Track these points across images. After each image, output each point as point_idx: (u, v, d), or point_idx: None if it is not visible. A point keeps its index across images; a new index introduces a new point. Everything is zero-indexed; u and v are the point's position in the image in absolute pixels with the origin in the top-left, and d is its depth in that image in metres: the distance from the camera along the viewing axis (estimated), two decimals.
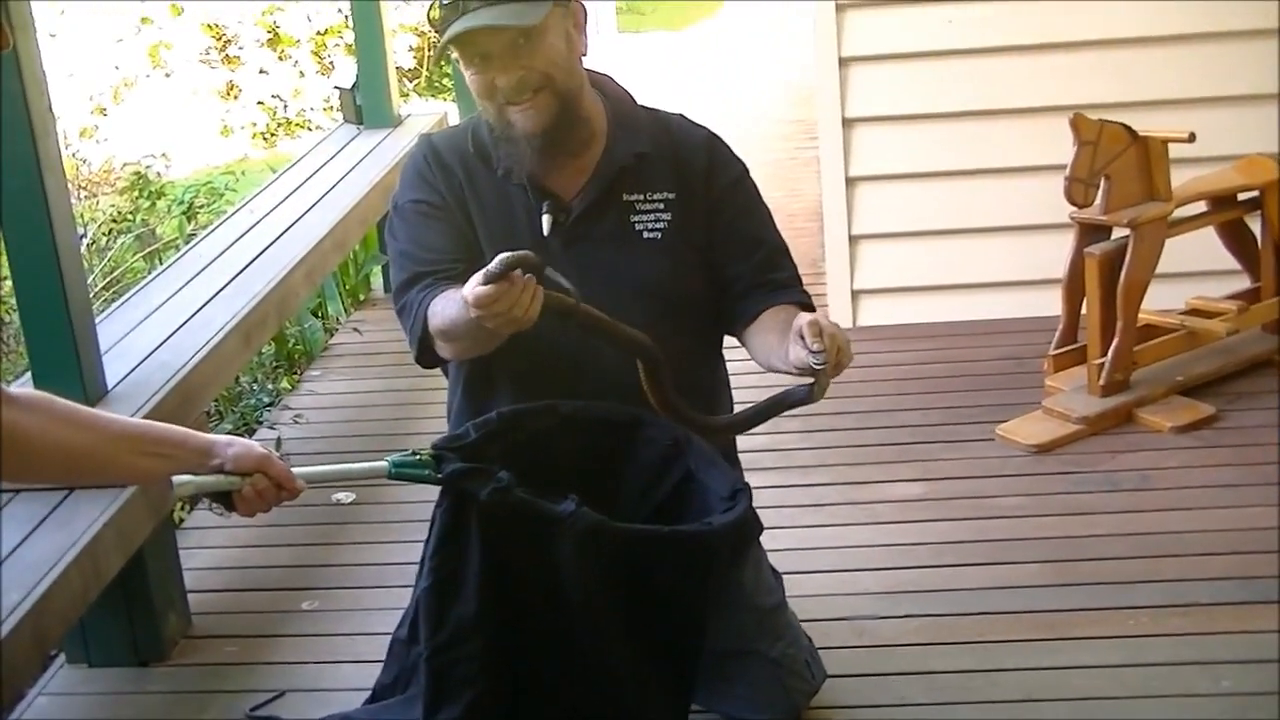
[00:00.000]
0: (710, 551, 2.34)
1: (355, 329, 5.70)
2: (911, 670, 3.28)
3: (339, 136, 6.38)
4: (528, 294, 2.32)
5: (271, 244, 4.76)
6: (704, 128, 2.94)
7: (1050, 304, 4.59)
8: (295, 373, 5.44)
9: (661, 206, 2.81)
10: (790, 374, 2.54)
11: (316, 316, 5.85)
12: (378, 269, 6.11)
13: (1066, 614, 3.44)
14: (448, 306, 2.56)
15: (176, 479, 2.18)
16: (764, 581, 3.09)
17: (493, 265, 2.27)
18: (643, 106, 2.91)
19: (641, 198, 2.81)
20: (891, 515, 3.98)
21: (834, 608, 3.52)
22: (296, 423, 4.89)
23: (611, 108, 2.85)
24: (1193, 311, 4.63)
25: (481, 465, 2.21)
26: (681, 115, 2.96)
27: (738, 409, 2.95)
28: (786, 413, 2.66)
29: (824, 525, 3.96)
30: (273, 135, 10.54)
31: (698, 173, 2.85)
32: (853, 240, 5.24)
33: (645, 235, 2.79)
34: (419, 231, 2.78)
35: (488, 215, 2.75)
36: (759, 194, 2.94)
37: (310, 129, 10.39)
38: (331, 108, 9.14)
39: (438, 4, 2.64)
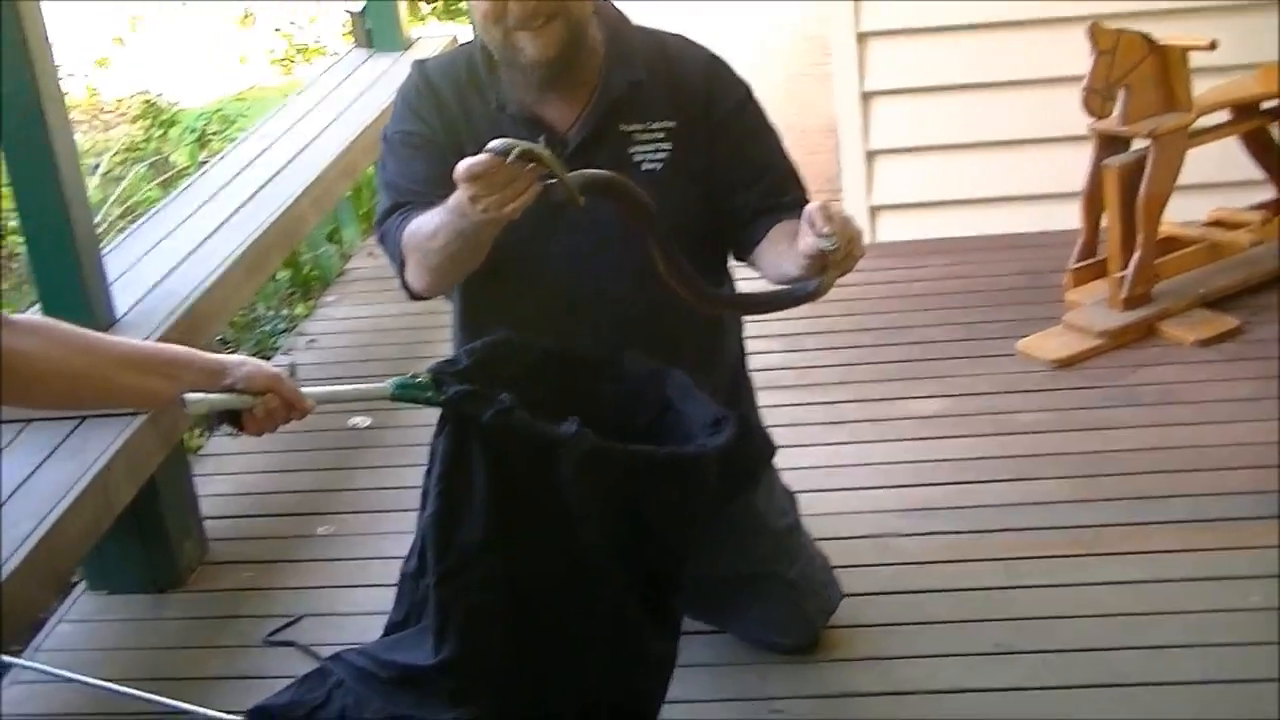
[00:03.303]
0: (703, 474, 2.29)
1: (370, 254, 5.65)
2: (936, 588, 3.25)
3: (349, 61, 6.31)
4: (524, 180, 2.24)
5: (279, 171, 4.71)
6: (704, 49, 2.82)
7: (1069, 217, 4.52)
8: (310, 298, 5.40)
9: (661, 136, 2.72)
10: (802, 278, 2.45)
11: (331, 242, 5.79)
12: None
13: (1090, 530, 3.41)
14: (428, 218, 2.48)
15: (189, 396, 2.14)
16: (776, 503, 3.05)
17: (499, 143, 2.21)
18: (639, 28, 2.79)
19: (640, 128, 2.71)
20: (913, 432, 3.94)
21: (859, 525, 3.50)
22: (311, 348, 4.86)
23: (608, 33, 2.74)
24: (1215, 223, 4.58)
25: (482, 389, 2.16)
26: (680, 36, 2.84)
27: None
28: (794, 309, 2.57)
29: (846, 443, 3.92)
30: (290, 61, 10.45)
31: (698, 99, 2.75)
32: (869, 156, 5.17)
33: (645, 167, 2.69)
34: (405, 163, 2.70)
35: (481, 147, 2.67)
36: (765, 116, 2.84)
37: (326, 54, 10.31)
38: (348, 32, 9.05)
39: None
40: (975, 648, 3.03)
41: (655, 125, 2.71)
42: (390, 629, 2.36)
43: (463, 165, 2.24)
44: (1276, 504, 3.40)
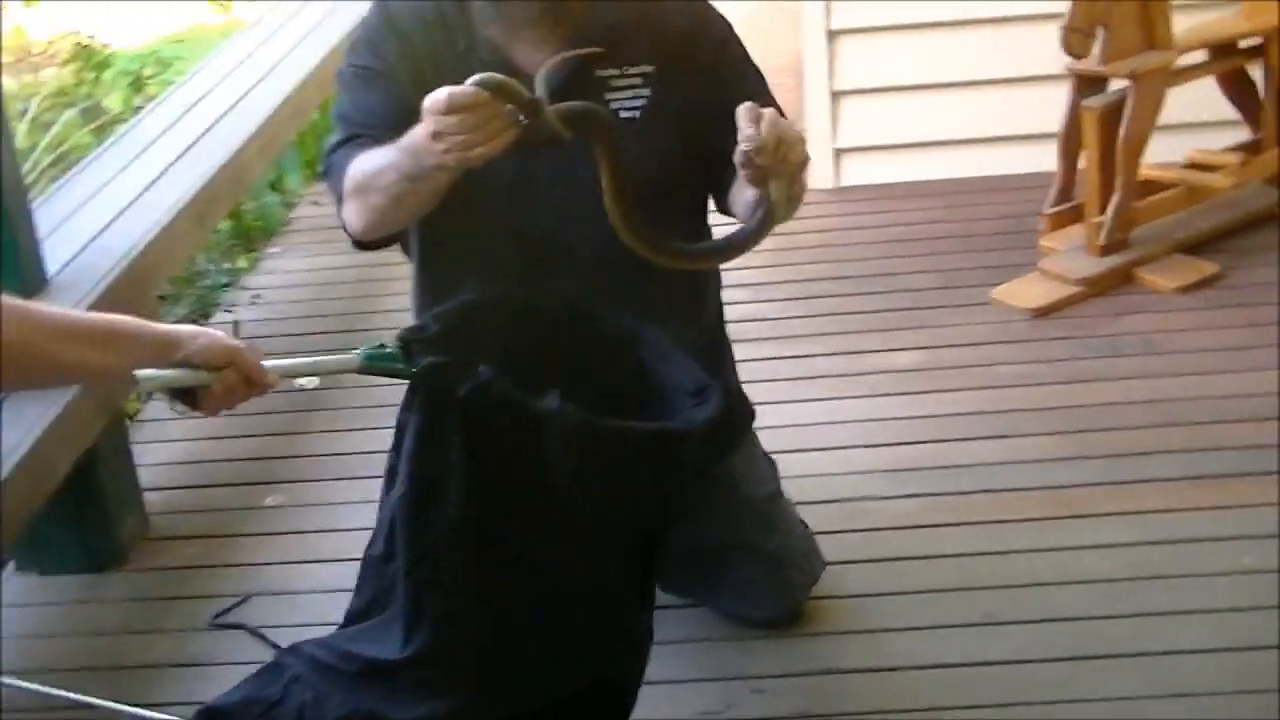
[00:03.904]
0: (690, 448, 2.15)
1: (315, 202, 5.43)
2: (918, 554, 3.10)
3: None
4: (498, 124, 2.08)
5: (223, 116, 4.47)
6: None
7: (1042, 159, 4.39)
8: (253, 250, 5.18)
9: (639, 82, 2.54)
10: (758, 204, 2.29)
11: (274, 190, 5.57)
12: None
13: (1077, 490, 3.27)
14: (377, 154, 2.30)
15: (140, 373, 1.96)
16: (757, 470, 2.90)
17: (484, 76, 2.06)
18: None
19: (617, 73, 2.54)
20: (889, 386, 3.79)
21: (833, 488, 3.33)
22: (255, 304, 4.65)
23: None
24: (1192, 165, 4.43)
25: (458, 359, 1.99)
26: None
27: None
28: (761, 250, 2.42)
29: (819, 399, 3.76)
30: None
31: (677, 40, 2.57)
32: (835, 96, 5.00)
33: (622, 115, 2.52)
34: (360, 96, 2.52)
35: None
36: (748, 55, 2.67)
37: None
38: None
39: None
40: (963, 618, 2.88)
41: (632, 70, 2.54)
42: (352, 617, 2.18)
43: (441, 93, 2.07)
44: (1269, 459, 3.28)
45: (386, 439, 3.15)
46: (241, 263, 5.08)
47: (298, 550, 3.32)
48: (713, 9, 2.66)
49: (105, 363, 1.98)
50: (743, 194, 2.38)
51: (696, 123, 2.54)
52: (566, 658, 2.13)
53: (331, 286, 4.74)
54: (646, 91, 2.54)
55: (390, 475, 2.09)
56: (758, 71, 2.67)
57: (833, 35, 4.93)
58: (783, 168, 2.17)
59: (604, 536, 2.12)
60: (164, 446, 3.75)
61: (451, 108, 2.06)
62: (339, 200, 2.46)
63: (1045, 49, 4.10)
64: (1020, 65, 4.79)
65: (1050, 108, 4.29)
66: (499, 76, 2.07)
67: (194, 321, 4.59)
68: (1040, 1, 4.40)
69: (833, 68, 4.97)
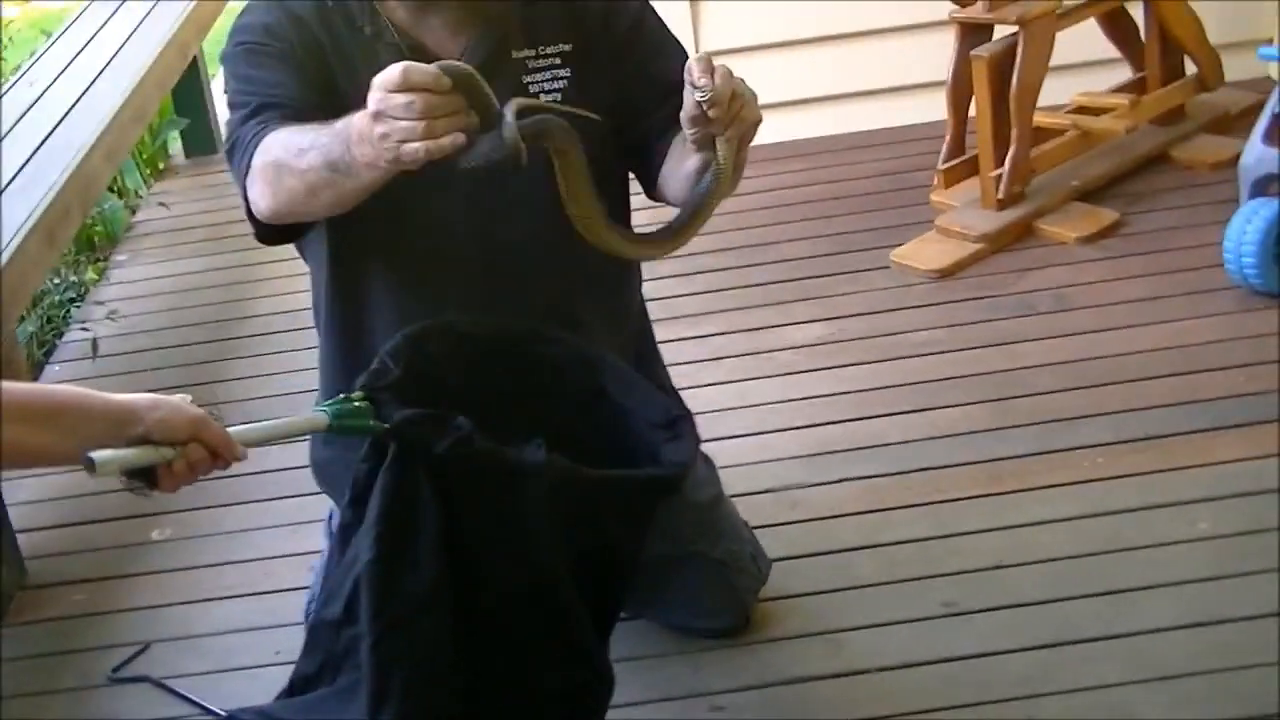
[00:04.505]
0: (674, 489, 2.05)
1: (161, 203, 5.13)
2: (859, 544, 2.94)
3: None
4: (456, 119, 1.87)
5: (61, 121, 4.15)
6: None
7: (917, 111, 4.26)
8: (99, 260, 4.86)
9: (558, 62, 2.36)
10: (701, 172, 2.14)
11: (113, 192, 5.23)
12: (177, 134, 5.52)
13: (1013, 462, 3.13)
14: (303, 131, 2.08)
15: (98, 456, 1.73)
16: (697, 473, 2.71)
17: (447, 63, 1.87)
18: None
19: (534, 54, 2.35)
20: (796, 363, 3.62)
21: (757, 478, 3.16)
22: (112, 319, 4.31)
23: None
24: (1080, 109, 4.31)
25: (433, 411, 1.79)
26: None
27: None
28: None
29: (727, 382, 3.58)
30: None
31: (594, 15, 2.40)
32: None
33: (542, 97, 2.33)
34: (262, 72, 2.27)
35: (358, 82, 2.24)
36: (665, 27, 2.50)
37: None
38: None
39: None
40: (920, 611, 2.73)
41: (549, 50, 2.35)
42: (300, 683, 1.96)
43: (395, 68, 1.85)
44: (1201, 416, 3.18)
45: (279, 456, 2.92)
46: (90, 274, 4.76)
47: (195, 588, 3.06)
48: None
49: (50, 444, 1.75)
50: (683, 165, 2.22)
51: (619, 100, 2.37)
52: (541, 713, 1.96)
53: (190, 293, 4.45)
54: (565, 72, 2.37)
55: (345, 533, 1.87)
56: (677, 43, 2.50)
57: None
58: (735, 126, 2.03)
59: (579, 585, 1.97)
60: (33, 481, 3.42)
61: (407, 84, 1.84)
62: (243, 178, 2.20)
63: None
64: (890, 15, 4.65)
65: (919, 57, 4.17)
66: (467, 68, 1.87)
67: (44, 342, 4.29)
68: None
69: (696, 30, 4.77)
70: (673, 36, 2.49)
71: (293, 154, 2.08)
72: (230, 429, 1.84)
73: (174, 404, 1.81)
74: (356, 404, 1.88)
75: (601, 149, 2.34)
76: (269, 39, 2.30)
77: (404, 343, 2.00)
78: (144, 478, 1.80)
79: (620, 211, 2.49)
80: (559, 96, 2.33)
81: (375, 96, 1.87)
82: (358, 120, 1.92)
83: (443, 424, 1.77)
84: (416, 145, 1.85)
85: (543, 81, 2.34)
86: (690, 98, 1.99)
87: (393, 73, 1.85)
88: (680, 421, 2.06)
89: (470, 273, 2.35)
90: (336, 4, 2.31)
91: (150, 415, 1.78)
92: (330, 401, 1.91)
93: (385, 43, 2.27)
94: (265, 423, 1.99)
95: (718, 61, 2.00)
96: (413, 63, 1.86)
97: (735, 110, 2.01)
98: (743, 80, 2.04)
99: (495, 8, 2.32)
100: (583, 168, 2.05)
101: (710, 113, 1.98)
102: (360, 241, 2.37)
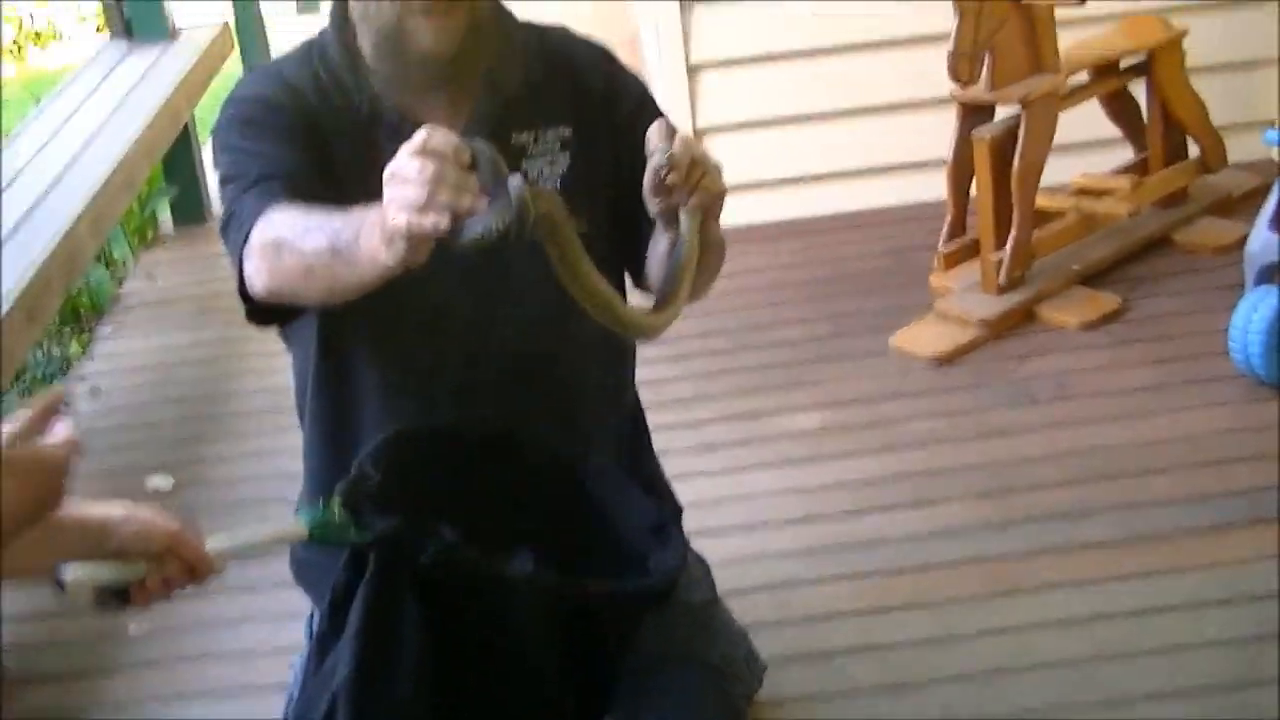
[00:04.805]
0: (664, 596, 2.00)
1: (148, 274, 5.06)
2: (854, 646, 2.87)
3: (108, 56, 5.64)
4: (469, 197, 1.72)
5: (48, 192, 4.07)
6: (595, 43, 2.39)
7: (914, 189, 4.19)
8: (84, 332, 4.78)
9: (558, 146, 2.28)
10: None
11: (100, 262, 5.16)
12: (166, 202, 5.46)
13: (1014, 560, 3.05)
14: (312, 213, 1.96)
15: (70, 577, 1.63)
16: (690, 573, 2.62)
17: (481, 142, 1.75)
18: (521, 21, 2.35)
19: (533, 138, 2.28)
20: (792, 452, 3.54)
21: (749, 575, 3.06)
22: (95, 396, 4.23)
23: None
24: (1081, 191, 4.25)
25: (416, 519, 1.72)
26: (563, 28, 2.40)
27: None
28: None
29: (720, 473, 3.49)
30: (21, 49, 9.72)
31: (595, 99, 2.32)
32: (697, 135, 4.74)
33: (541, 184, 2.26)
34: (261, 145, 2.16)
35: (353, 158, 2.16)
36: (662, 113, 2.43)
37: (59, 38, 9.61)
38: (84, 18, 8.33)
39: None
40: (918, 714, 2.65)
41: (549, 134, 2.27)
42: None
43: (420, 131, 1.74)
44: (1208, 513, 3.11)
45: None
46: (74, 346, 4.67)
47: (174, 681, 2.99)
48: (625, 65, 2.41)
49: (14, 560, 1.64)
50: (657, 248, 2.14)
51: (616, 188, 2.29)
52: None
53: (176, 369, 4.37)
54: (565, 157, 2.28)
55: (323, 641, 1.80)
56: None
57: (692, 70, 4.68)
58: (698, 195, 1.95)
59: (566, 689, 1.91)
60: None
61: (426, 149, 1.73)
62: (240, 252, 2.07)
63: (912, 72, 3.89)
64: (888, 92, 4.60)
65: (923, 136, 4.10)
66: (492, 148, 1.75)
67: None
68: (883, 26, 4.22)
69: (694, 105, 4.72)
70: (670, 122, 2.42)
71: (298, 231, 1.98)
72: (208, 541, 1.75)
73: (147, 516, 1.72)
74: (336, 513, 1.80)
75: (599, 236, 2.27)
76: (268, 112, 2.23)
77: (384, 447, 1.93)
78: (116, 596, 1.71)
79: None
80: (558, 184, 2.26)
81: (395, 160, 1.79)
82: (374, 212, 1.83)
83: (426, 533, 1.70)
84: (426, 219, 1.74)
85: (541, 166, 2.27)
86: (650, 164, 1.93)
87: (417, 135, 1.77)
88: (668, 526, 2.01)
89: (466, 361, 2.27)
90: (328, 75, 2.23)
91: (123, 527, 1.68)
92: (310, 512, 1.83)
93: (384, 123, 2.19)
94: (244, 532, 1.89)
95: (710, 138, 1.93)
96: (437, 128, 1.77)
97: (695, 178, 1.94)
98: (707, 151, 1.98)
99: (494, 90, 2.25)
100: (579, 258, 1.97)
101: (668, 179, 1.91)
102: (353, 331, 2.29)
